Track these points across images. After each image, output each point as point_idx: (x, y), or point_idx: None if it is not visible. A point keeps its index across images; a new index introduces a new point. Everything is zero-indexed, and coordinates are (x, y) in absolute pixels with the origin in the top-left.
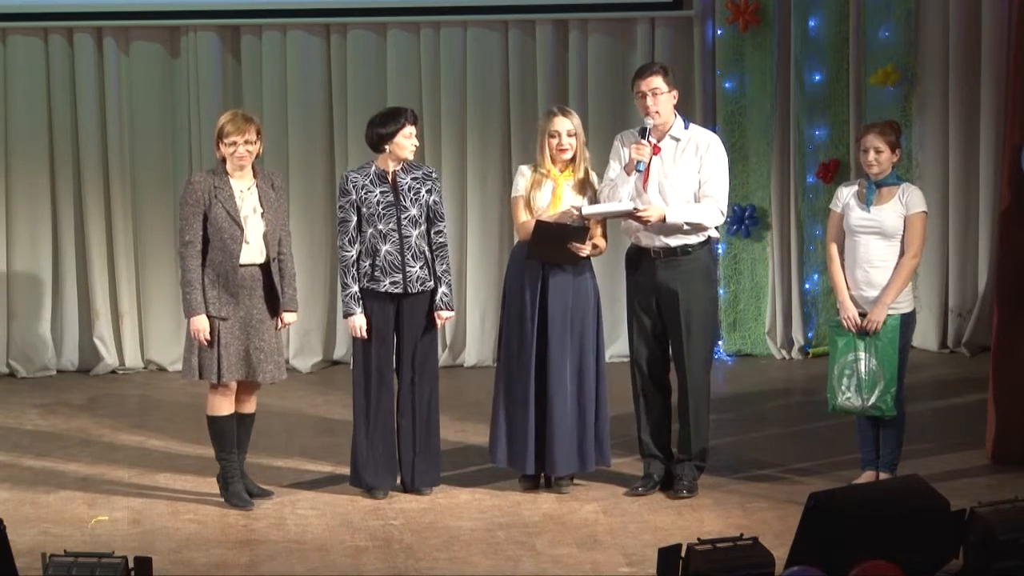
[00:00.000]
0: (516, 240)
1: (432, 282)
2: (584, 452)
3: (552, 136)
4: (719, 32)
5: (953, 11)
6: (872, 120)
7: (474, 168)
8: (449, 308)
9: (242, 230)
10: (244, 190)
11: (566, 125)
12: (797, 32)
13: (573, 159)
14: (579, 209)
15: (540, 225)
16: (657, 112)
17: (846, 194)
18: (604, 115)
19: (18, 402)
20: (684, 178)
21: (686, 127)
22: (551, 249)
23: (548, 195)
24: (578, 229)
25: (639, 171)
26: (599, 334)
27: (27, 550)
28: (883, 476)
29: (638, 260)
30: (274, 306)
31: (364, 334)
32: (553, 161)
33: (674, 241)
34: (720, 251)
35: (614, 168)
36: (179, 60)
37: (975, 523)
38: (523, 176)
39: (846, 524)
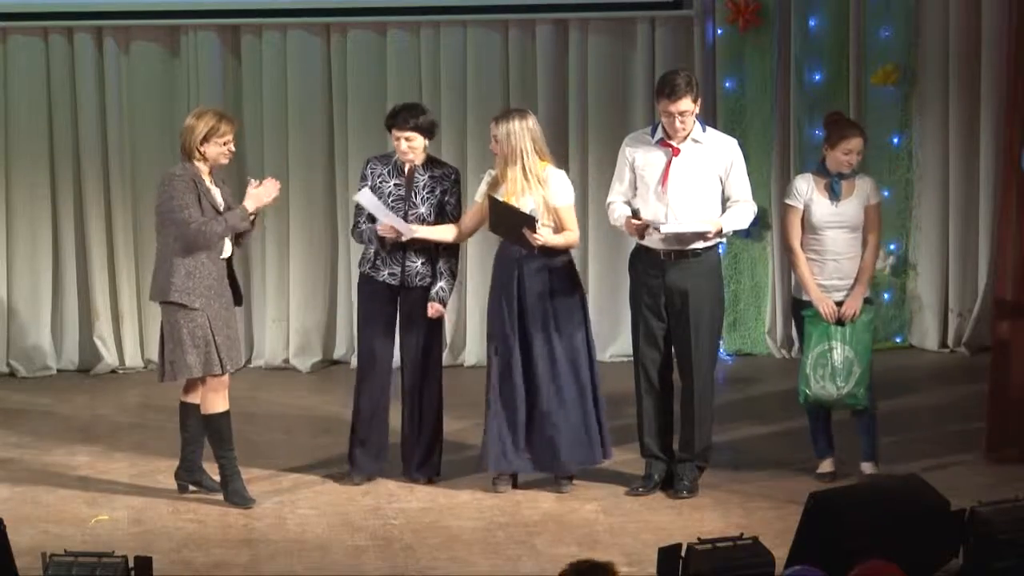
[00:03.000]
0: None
1: (433, 279)
2: (593, 447)
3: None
4: (719, 32)
5: (953, 11)
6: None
7: (474, 168)
8: (442, 303)
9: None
10: (211, 186)
11: (491, 129)
12: (797, 32)
13: (507, 163)
14: (658, 228)
15: (491, 200)
16: (683, 130)
17: (806, 189)
18: (604, 115)
19: (18, 402)
20: (705, 180)
21: (704, 130)
22: (506, 228)
23: (498, 196)
24: (524, 216)
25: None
26: (587, 328)
27: (27, 549)
28: (870, 468)
29: (645, 261)
30: (235, 297)
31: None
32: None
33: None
34: (720, 251)
35: (621, 176)
36: (179, 60)
37: (975, 523)
38: (483, 182)
39: (846, 524)
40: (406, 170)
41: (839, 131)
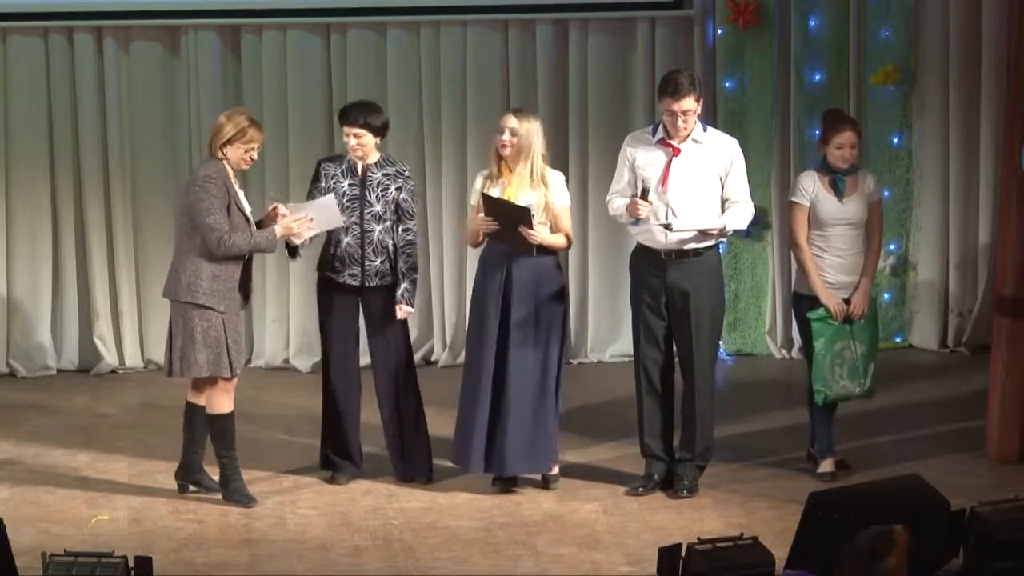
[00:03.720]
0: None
1: (393, 277)
2: (539, 451)
3: (499, 132)
4: (719, 32)
5: (953, 11)
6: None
7: (474, 168)
8: (409, 303)
9: (251, 225)
10: (238, 188)
11: (511, 123)
12: (797, 32)
13: (523, 158)
14: (669, 226)
15: (486, 199)
16: (685, 129)
17: (811, 187)
18: (604, 115)
19: (18, 401)
20: (706, 181)
21: (704, 130)
22: (502, 228)
23: (498, 195)
24: (521, 209)
25: (635, 225)
26: (564, 335)
27: (27, 549)
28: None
29: (646, 261)
30: (244, 296)
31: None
32: (499, 159)
33: (686, 243)
34: (721, 251)
35: (623, 174)
36: (179, 60)
37: (975, 523)
38: (475, 185)
39: (846, 524)
40: (359, 170)
41: (831, 126)
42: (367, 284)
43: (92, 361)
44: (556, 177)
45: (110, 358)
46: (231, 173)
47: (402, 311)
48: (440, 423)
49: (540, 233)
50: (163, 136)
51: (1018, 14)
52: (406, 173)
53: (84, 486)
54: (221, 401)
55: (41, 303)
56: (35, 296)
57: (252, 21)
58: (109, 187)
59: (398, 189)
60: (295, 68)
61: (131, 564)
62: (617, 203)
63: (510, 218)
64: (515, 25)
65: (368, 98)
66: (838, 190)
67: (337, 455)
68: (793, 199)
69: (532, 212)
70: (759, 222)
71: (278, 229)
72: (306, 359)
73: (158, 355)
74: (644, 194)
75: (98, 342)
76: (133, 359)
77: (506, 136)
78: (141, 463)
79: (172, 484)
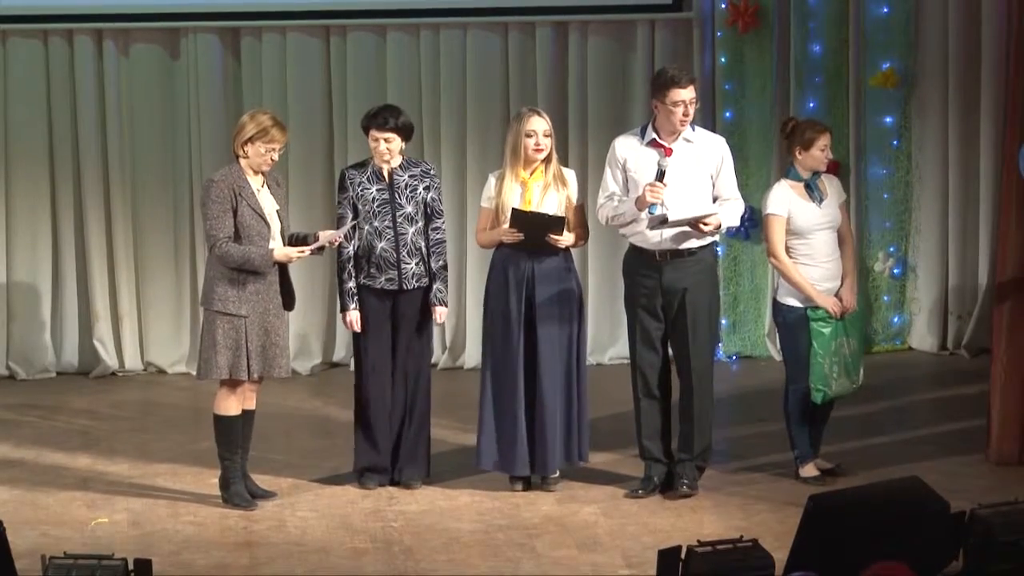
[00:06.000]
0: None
1: (428, 279)
2: (571, 447)
3: (529, 136)
4: (719, 34)
5: (953, 11)
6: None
7: (474, 169)
8: (443, 304)
9: (269, 227)
10: (259, 188)
11: (542, 125)
12: (796, 34)
13: (547, 159)
14: (664, 219)
15: (516, 213)
16: (689, 119)
17: (787, 197)
18: (604, 117)
19: (18, 404)
20: (697, 179)
21: (693, 129)
22: (529, 237)
23: (517, 198)
24: (555, 219)
25: (651, 213)
26: (582, 332)
27: (27, 552)
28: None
29: (641, 263)
30: (286, 301)
31: (359, 327)
32: (528, 162)
33: (680, 243)
34: (720, 253)
35: (614, 177)
36: (179, 62)
37: (975, 525)
38: (490, 186)
39: (846, 526)
40: (385, 174)
41: (810, 131)
42: (404, 287)
43: (92, 363)
44: (571, 174)
45: (110, 360)
46: (249, 174)
47: (440, 314)
48: (441, 425)
49: (567, 239)
50: (163, 138)
51: (1017, 15)
52: (432, 172)
53: (84, 488)
54: (231, 404)
55: (41, 305)
56: (35, 298)
57: (252, 23)
58: (109, 190)
59: (426, 188)
60: (295, 70)
61: (131, 566)
62: (612, 206)
63: (539, 228)
64: (515, 27)
65: (368, 99)
66: (814, 195)
67: (376, 460)
68: (771, 212)
69: (565, 217)
70: (758, 224)
71: (277, 252)
72: (306, 362)
73: (158, 357)
74: (660, 176)
75: (98, 344)
76: (133, 361)
77: (542, 139)
78: (141, 465)
79: (172, 485)
